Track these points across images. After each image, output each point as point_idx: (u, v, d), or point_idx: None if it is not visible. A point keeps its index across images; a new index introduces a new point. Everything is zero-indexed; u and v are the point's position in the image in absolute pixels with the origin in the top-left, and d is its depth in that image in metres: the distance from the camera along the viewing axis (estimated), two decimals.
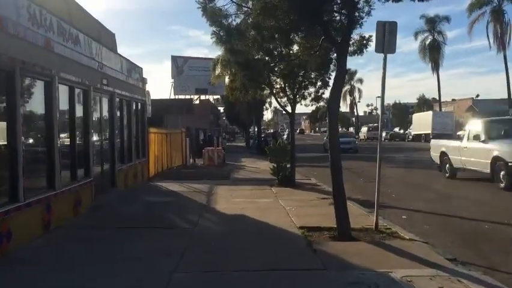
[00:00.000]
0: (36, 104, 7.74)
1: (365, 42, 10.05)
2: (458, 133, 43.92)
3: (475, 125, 14.58)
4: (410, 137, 52.17)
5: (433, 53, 54.83)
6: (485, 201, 10.94)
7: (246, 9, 8.06)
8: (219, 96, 49.34)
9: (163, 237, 7.33)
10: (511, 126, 14.01)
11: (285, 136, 41.29)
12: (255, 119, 40.19)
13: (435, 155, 16.66)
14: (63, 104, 8.68)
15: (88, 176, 9.75)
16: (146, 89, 16.33)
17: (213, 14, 7.58)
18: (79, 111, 9.57)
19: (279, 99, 14.40)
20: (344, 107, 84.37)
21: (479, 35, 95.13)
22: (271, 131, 62.28)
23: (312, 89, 13.91)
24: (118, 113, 12.48)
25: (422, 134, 47.58)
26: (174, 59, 48.35)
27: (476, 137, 13.77)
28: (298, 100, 13.86)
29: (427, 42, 55.68)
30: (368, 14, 7.09)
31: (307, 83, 13.59)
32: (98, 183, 10.32)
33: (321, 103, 15.18)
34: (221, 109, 54.81)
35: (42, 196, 7.49)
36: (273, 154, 14.57)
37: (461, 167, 14.67)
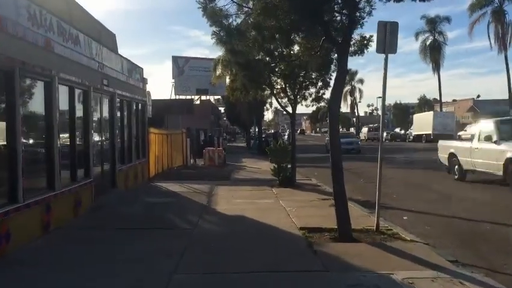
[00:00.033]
0: (36, 105, 7.70)
1: (365, 42, 10.06)
2: (458, 133, 44.03)
3: (487, 125, 13.97)
4: (411, 137, 52.08)
5: (434, 54, 54.81)
6: (491, 202, 10.88)
7: (246, 9, 8.04)
8: (219, 97, 49.37)
9: (164, 238, 7.30)
10: None
11: (285, 137, 41.30)
12: (256, 119, 40.17)
13: (443, 157, 16.13)
14: (63, 105, 8.65)
15: (88, 176, 9.72)
16: (147, 90, 16.32)
17: (213, 14, 7.56)
18: (79, 112, 9.54)
19: (279, 100, 14.39)
20: (344, 108, 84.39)
21: (480, 35, 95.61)
22: (272, 131, 62.23)
23: (312, 90, 13.91)
24: (119, 114, 12.45)
25: (423, 134, 47.53)
26: (175, 59, 48.37)
27: (488, 138, 13.20)
28: (299, 101, 13.84)
29: (428, 43, 55.72)
30: (369, 14, 7.07)
31: (308, 83, 13.57)
32: (99, 183, 10.30)
33: (322, 103, 15.17)
34: (222, 109, 54.84)
35: (42, 197, 7.46)
36: (274, 154, 14.55)
37: (471, 168, 14.13)
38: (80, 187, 9.16)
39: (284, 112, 16.89)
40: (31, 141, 7.74)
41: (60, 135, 8.40)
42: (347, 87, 79.44)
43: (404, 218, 9.10)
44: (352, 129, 78.67)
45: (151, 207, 10.31)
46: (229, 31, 7.93)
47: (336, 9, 7.22)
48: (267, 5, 6.88)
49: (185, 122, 27.43)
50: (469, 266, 5.69)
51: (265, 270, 5.53)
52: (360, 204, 10.19)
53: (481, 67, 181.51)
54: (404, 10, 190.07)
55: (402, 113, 77.60)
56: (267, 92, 14.43)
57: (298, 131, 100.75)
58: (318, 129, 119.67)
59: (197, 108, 35.08)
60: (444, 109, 58.77)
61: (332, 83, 11.62)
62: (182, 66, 47.59)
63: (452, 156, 15.33)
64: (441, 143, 17.42)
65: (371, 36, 9.90)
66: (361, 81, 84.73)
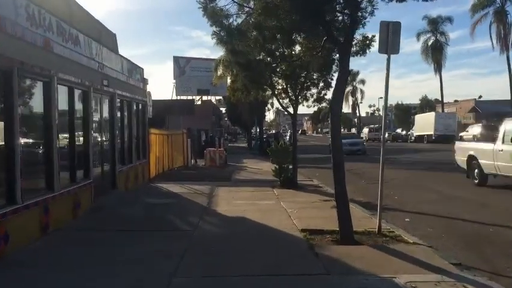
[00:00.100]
0: (35, 105, 7.65)
1: (367, 42, 9.99)
2: (460, 134, 43.93)
3: None
4: (413, 138, 51.97)
5: (436, 54, 54.69)
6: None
7: (247, 9, 7.98)
8: (221, 97, 49.35)
9: (164, 240, 7.25)
10: None
11: (287, 137, 41.24)
12: (257, 119, 40.14)
13: (461, 159, 14.72)
14: (62, 105, 8.60)
15: (87, 177, 9.66)
16: (147, 90, 16.27)
17: (213, 14, 7.51)
18: (79, 112, 9.49)
19: (281, 101, 14.32)
20: (346, 108, 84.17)
21: (481, 35, 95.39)
22: (273, 131, 62.16)
23: (314, 90, 13.82)
24: (119, 114, 12.39)
25: (424, 135, 47.44)
26: (176, 59, 48.39)
27: None
28: (300, 101, 13.76)
29: (430, 43, 55.57)
30: (371, 14, 7.01)
31: (309, 84, 13.49)
32: (98, 184, 10.24)
33: (324, 104, 15.06)
34: (223, 110, 54.80)
35: (41, 198, 7.39)
36: (275, 155, 14.49)
37: (494, 172, 12.89)
38: (79, 188, 9.10)
39: (285, 113, 16.81)
40: (30, 141, 7.67)
41: (60, 136, 8.35)
42: (349, 88, 79.32)
43: (406, 219, 9.02)
44: (353, 130, 78.60)
45: (151, 209, 10.25)
46: (230, 31, 7.88)
47: (338, 9, 7.15)
48: (267, 4, 6.82)
49: (186, 122, 27.36)
50: (472, 269, 5.61)
51: (265, 273, 5.47)
52: (362, 205, 10.11)
53: (482, 68, 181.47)
54: (405, 11, 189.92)
55: (404, 114, 77.41)
56: (268, 92, 14.37)
57: (300, 132, 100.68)
58: (319, 129, 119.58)
59: (198, 109, 35.04)
60: (446, 110, 58.62)
61: (333, 83, 11.53)
62: (183, 67, 47.61)
63: (471, 159, 13.95)
64: (458, 144, 15.92)
65: (373, 36, 9.85)
66: (362, 81, 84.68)
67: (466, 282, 5.03)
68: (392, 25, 7.31)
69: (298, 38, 9.91)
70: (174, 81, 47.04)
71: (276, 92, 13.93)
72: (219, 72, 23.81)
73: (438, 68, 55.69)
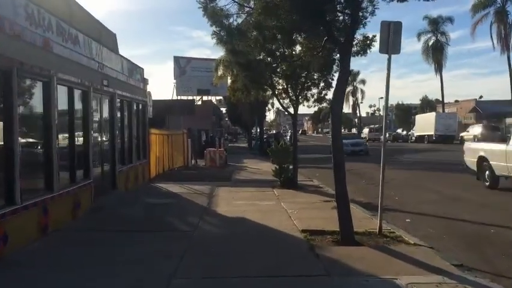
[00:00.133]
0: (34, 105, 7.63)
1: (368, 42, 9.94)
2: (461, 134, 43.93)
3: None
4: (413, 138, 51.92)
5: (436, 54, 54.64)
6: None
7: (247, 9, 7.95)
8: (221, 97, 49.35)
9: (164, 240, 7.22)
10: None
11: (287, 137, 41.21)
12: (258, 119, 40.10)
13: (471, 160, 14.09)
14: (62, 105, 8.58)
15: (87, 177, 9.64)
16: (148, 90, 16.24)
17: (213, 13, 7.49)
18: (79, 112, 9.46)
19: (281, 101, 14.28)
20: (346, 108, 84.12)
21: (482, 36, 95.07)
22: (274, 131, 62.16)
23: (315, 90, 13.77)
24: (119, 114, 12.37)
25: (425, 135, 47.38)
26: (177, 59, 48.38)
27: None
28: (300, 101, 13.72)
29: (430, 43, 55.54)
30: (372, 13, 6.99)
31: (310, 84, 13.45)
32: (98, 184, 10.21)
33: (324, 104, 15.01)
34: (223, 110, 54.78)
35: (40, 199, 7.36)
36: (275, 155, 14.47)
37: (506, 174, 12.31)
38: (79, 188, 9.07)
39: (286, 113, 16.78)
40: (29, 141, 7.65)
41: (60, 136, 8.32)
42: (349, 88, 79.26)
43: (407, 220, 8.99)
44: (354, 130, 78.57)
45: (151, 209, 10.23)
46: (230, 31, 7.87)
47: (338, 8, 7.13)
48: (268, 4, 6.79)
49: (187, 122, 27.34)
50: (474, 270, 5.58)
51: (265, 275, 5.44)
52: (363, 206, 10.08)
53: (483, 68, 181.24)
54: (406, 10, 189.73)
55: (404, 114, 77.33)
56: (269, 92, 14.33)
57: (300, 132, 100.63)
58: (319, 129, 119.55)
59: (198, 109, 35.03)
60: (446, 110, 58.57)
61: (334, 83, 11.50)
62: (184, 67, 47.61)
63: (482, 160, 13.31)
64: (468, 145, 15.30)
65: (374, 36, 9.80)
66: (363, 81, 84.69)
67: (467, 283, 5.00)
68: (393, 25, 7.27)
69: (299, 38, 9.88)
70: (175, 81, 47.06)
71: (276, 92, 13.89)
72: (220, 72, 23.83)
73: (439, 68, 55.68)
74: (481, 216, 9.13)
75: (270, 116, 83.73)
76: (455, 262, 5.79)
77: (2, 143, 6.43)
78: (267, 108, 33.19)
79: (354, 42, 8.21)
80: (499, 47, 44.01)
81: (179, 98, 43.96)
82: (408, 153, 31.08)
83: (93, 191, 9.84)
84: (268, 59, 11.69)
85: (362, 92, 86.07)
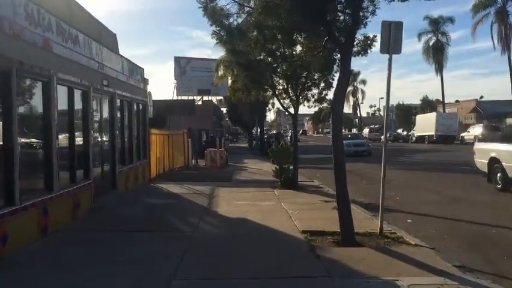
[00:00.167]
0: (34, 105, 7.61)
1: (369, 42, 9.90)
2: (461, 134, 43.87)
3: None
4: (414, 138, 51.88)
5: (437, 54, 54.62)
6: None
7: (247, 8, 7.92)
8: (221, 97, 49.32)
9: (164, 241, 7.20)
10: None
11: (288, 137, 41.19)
12: (258, 120, 40.10)
13: (481, 162, 13.52)
14: (62, 105, 8.55)
15: (87, 178, 9.61)
16: (148, 90, 16.22)
17: (213, 13, 7.46)
18: (79, 112, 9.44)
19: (281, 101, 14.25)
20: (347, 108, 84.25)
21: (483, 36, 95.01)
22: (274, 132, 62.13)
23: (315, 90, 13.74)
24: (119, 114, 12.34)
25: (425, 135, 47.33)
26: (177, 59, 48.33)
27: None
28: (301, 101, 13.69)
29: (431, 43, 55.55)
30: (373, 13, 6.94)
31: (310, 84, 13.41)
32: (98, 185, 10.18)
33: (325, 104, 14.98)
34: (224, 110, 54.75)
35: (40, 199, 7.34)
36: (276, 156, 14.44)
37: None
38: (79, 189, 9.05)
39: (286, 113, 16.75)
40: (29, 142, 7.62)
41: (60, 136, 8.30)
42: (350, 88, 79.29)
43: (408, 221, 8.96)
44: (354, 130, 78.52)
45: (151, 209, 10.21)
46: (230, 31, 7.84)
47: (339, 8, 7.09)
48: (268, 4, 6.76)
49: (187, 122, 27.31)
50: (475, 271, 5.55)
51: (266, 275, 5.41)
52: (363, 206, 10.05)
53: (484, 68, 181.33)
54: (407, 10, 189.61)
55: (405, 114, 77.22)
56: (269, 92, 14.29)
57: (301, 132, 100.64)
58: (320, 129, 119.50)
59: (199, 109, 34.99)
60: (447, 110, 58.56)
61: (334, 83, 11.48)
62: (184, 67, 47.55)
63: (494, 161, 12.70)
64: (478, 145, 14.60)
65: (375, 36, 9.76)
66: (363, 82, 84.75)
67: (469, 284, 4.98)
68: (393, 25, 7.24)
69: (299, 38, 9.84)
70: (175, 81, 47.00)
71: (276, 92, 13.86)
72: (220, 72, 23.81)
73: (439, 68, 55.67)
74: (482, 217, 9.11)
75: (270, 116, 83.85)
76: (456, 263, 5.76)
77: (2, 143, 6.41)
78: (267, 108, 33.23)
79: (354, 42, 8.17)
80: (500, 47, 44.05)
81: (179, 98, 43.93)
82: (408, 153, 31.03)
83: (93, 191, 9.81)
84: (269, 59, 11.65)
85: (363, 92, 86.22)
